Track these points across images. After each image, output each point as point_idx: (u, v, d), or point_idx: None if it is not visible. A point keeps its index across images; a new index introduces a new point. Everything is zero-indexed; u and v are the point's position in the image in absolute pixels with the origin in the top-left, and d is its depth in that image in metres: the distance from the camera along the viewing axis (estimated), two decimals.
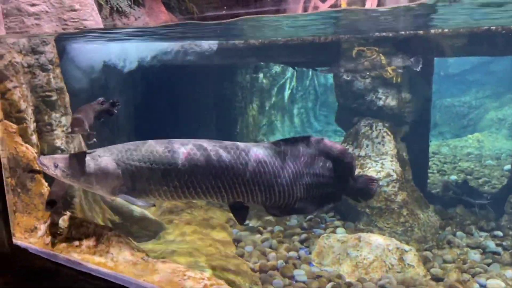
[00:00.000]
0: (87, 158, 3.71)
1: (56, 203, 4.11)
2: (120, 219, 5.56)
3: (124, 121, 8.05)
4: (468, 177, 8.85)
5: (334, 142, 4.03)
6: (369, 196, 4.08)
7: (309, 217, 6.87)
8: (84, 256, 3.97)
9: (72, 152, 5.03)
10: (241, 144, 3.81)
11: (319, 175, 3.87)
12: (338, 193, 3.98)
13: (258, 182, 3.70)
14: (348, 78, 6.94)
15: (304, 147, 3.87)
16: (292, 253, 5.76)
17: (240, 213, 3.86)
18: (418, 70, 6.62)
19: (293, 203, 3.86)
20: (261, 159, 3.71)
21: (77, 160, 3.70)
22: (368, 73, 6.94)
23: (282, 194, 3.77)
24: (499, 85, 14.43)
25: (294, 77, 14.08)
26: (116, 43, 6.68)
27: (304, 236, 6.20)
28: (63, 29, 4.59)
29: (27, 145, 4.42)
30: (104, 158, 3.71)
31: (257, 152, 3.73)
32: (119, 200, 5.61)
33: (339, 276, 5.17)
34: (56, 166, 3.65)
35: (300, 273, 5.25)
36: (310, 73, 15.02)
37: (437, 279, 5.14)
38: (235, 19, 4.39)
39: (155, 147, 3.72)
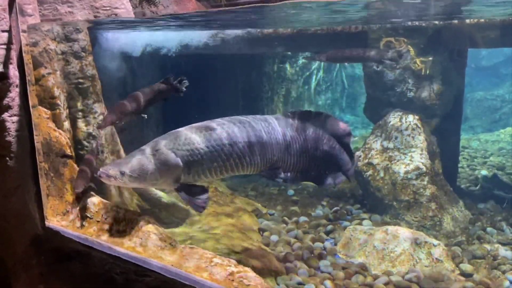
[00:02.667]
0: (147, 155, 3.73)
1: (85, 185, 4.21)
2: (149, 205, 5.65)
3: (152, 109, 8.14)
4: (500, 172, 8.61)
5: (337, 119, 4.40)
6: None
7: (335, 208, 6.83)
8: (114, 240, 4.05)
9: (103, 138, 5.12)
10: (265, 117, 4.26)
11: (323, 150, 4.28)
12: (339, 171, 4.39)
13: (280, 151, 4.15)
14: (378, 69, 6.82)
15: (313, 121, 4.31)
16: (318, 244, 5.74)
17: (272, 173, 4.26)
18: (396, 65, 6.55)
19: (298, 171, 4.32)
20: (282, 131, 4.19)
21: (140, 160, 3.70)
22: (350, 63, 6.90)
23: (292, 162, 4.24)
24: None
25: (321, 68, 13.94)
26: (146, 31, 6.74)
27: (329, 227, 6.17)
28: (95, 16, 4.66)
29: (60, 131, 4.52)
30: (162, 151, 3.75)
31: (278, 124, 4.19)
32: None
33: (365, 268, 5.13)
34: (123, 174, 3.63)
35: (326, 264, 5.22)
36: (338, 64, 14.82)
37: (466, 274, 5.03)
38: (263, 4, 4.36)
39: (202, 130, 3.90)
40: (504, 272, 5.09)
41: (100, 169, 3.67)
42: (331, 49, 7.56)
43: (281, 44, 7.81)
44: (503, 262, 5.29)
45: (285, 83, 12.03)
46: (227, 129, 3.96)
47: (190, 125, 4.02)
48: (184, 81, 4.62)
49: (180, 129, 4.00)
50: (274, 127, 4.17)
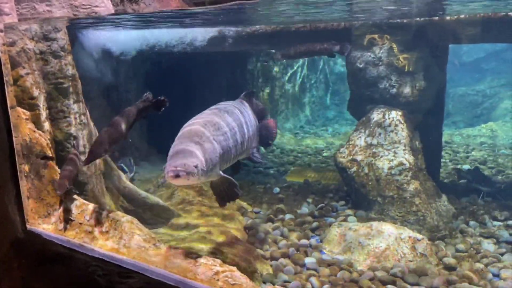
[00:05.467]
0: (201, 147, 3.54)
1: (67, 186, 4.14)
2: (133, 206, 5.59)
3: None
4: (482, 166, 8.73)
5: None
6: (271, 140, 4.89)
7: (320, 205, 6.85)
8: (97, 242, 4.00)
9: (84, 139, 5.04)
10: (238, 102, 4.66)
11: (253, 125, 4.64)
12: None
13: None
14: (361, 66, 6.85)
15: (250, 102, 4.74)
16: (303, 241, 5.75)
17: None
18: (345, 55, 6.84)
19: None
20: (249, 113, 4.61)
21: (202, 152, 3.48)
22: (303, 58, 7.16)
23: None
24: None
25: (305, 65, 13.97)
26: (128, 30, 6.66)
27: (315, 224, 6.19)
28: (74, 15, 4.58)
29: (40, 132, 4.44)
30: (209, 140, 3.67)
31: (245, 107, 4.57)
32: (131, 186, 5.64)
33: (350, 264, 5.15)
34: (197, 169, 3.34)
35: (311, 261, 5.24)
36: (322, 61, 14.90)
37: (449, 268, 5.09)
38: (247, 1, 4.34)
39: (222, 115, 4.04)
40: (486, 265, 5.16)
41: (173, 169, 3.23)
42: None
43: (264, 42, 7.79)
44: (485, 255, 5.37)
45: (269, 81, 12.03)
46: (233, 115, 4.19)
47: (205, 112, 4.09)
48: (164, 101, 4.55)
49: (203, 115, 4.00)
50: (247, 110, 4.53)
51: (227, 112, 4.15)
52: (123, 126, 4.15)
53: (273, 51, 10.92)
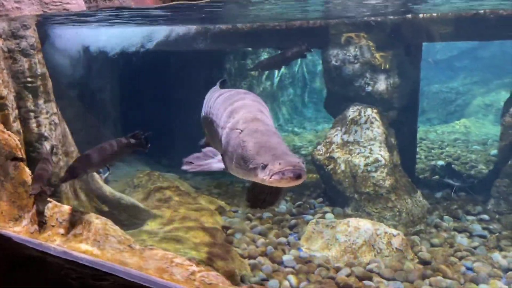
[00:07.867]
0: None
1: (42, 187, 4.04)
2: (107, 207, 5.49)
3: (110, 108, 7.92)
4: (455, 162, 8.91)
5: None
6: None
7: (298, 203, 6.87)
8: (70, 245, 3.92)
9: (56, 140, 4.93)
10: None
11: None
12: None
13: None
14: (337, 64, 6.89)
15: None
16: (281, 239, 5.76)
17: None
18: (310, 51, 6.89)
19: None
20: None
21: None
22: (283, 65, 7.31)
23: None
24: (486, 71, 14.50)
25: None
26: (101, 28, 6.54)
27: (293, 222, 6.21)
28: (44, 12, 4.46)
29: (9, 133, 4.31)
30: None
31: None
32: (106, 188, 5.55)
33: (328, 261, 5.18)
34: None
35: (289, 258, 5.25)
36: (299, 60, 14.94)
37: (424, 262, 5.18)
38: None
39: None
40: (460, 259, 5.27)
41: (291, 169, 2.67)
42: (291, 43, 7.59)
43: (240, 40, 7.75)
44: (459, 249, 5.48)
45: (248, 79, 12.00)
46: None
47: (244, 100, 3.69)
48: (147, 138, 4.39)
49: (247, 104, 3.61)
50: None
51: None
52: (106, 154, 4.09)
53: (250, 51, 10.93)
